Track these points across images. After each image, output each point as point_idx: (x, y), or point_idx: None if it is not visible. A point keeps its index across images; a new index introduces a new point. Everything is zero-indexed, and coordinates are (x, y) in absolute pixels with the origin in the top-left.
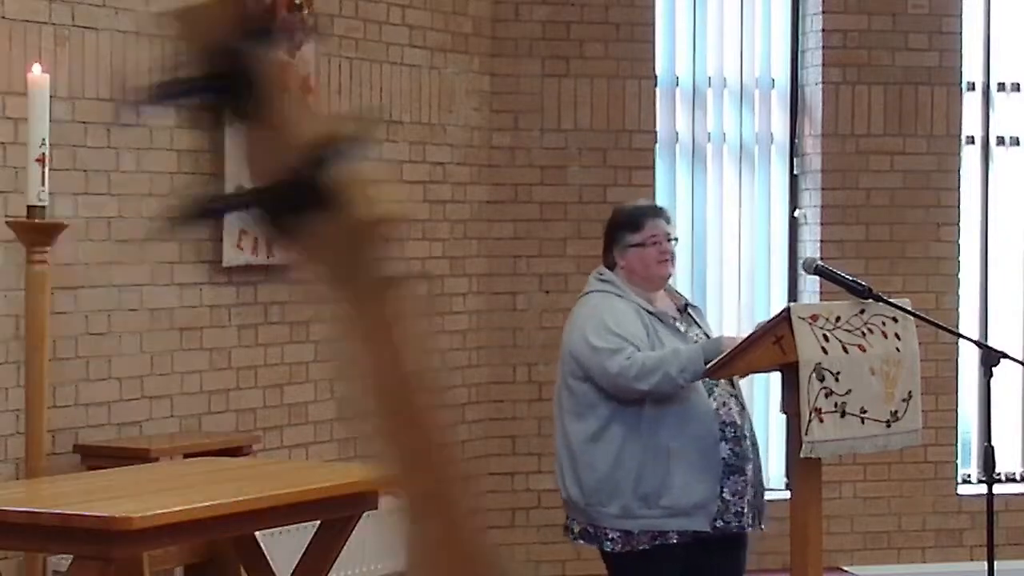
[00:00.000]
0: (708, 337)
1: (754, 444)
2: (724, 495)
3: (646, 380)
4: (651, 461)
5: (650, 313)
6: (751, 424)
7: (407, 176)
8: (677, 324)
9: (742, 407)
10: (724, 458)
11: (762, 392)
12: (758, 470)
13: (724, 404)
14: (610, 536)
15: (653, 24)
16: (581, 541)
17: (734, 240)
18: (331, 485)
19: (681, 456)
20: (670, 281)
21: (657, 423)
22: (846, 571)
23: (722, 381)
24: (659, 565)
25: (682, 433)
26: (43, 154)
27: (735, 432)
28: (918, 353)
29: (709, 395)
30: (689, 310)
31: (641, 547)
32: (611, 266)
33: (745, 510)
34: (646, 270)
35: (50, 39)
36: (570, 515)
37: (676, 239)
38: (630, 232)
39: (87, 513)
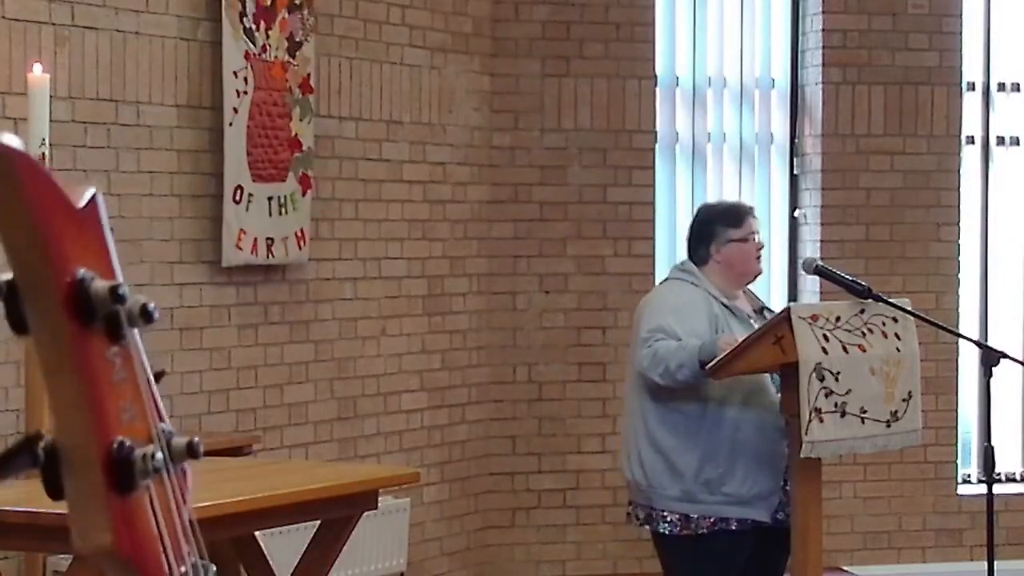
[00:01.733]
0: None
1: None
2: (787, 488)
3: (655, 370)
4: (714, 448)
5: (724, 306)
6: None
7: (407, 176)
8: (752, 321)
9: None
10: (788, 453)
11: None
12: None
13: None
14: (668, 518)
15: (653, 24)
16: (646, 526)
17: None
18: (331, 485)
19: (746, 446)
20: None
21: (722, 411)
22: (846, 571)
23: None
24: (718, 549)
25: (747, 423)
26: (43, 154)
27: None
28: (918, 353)
29: (778, 390)
30: (764, 312)
31: (701, 531)
32: (700, 261)
33: None
34: (745, 264)
35: (50, 39)
36: (633, 499)
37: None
38: (731, 227)
39: None
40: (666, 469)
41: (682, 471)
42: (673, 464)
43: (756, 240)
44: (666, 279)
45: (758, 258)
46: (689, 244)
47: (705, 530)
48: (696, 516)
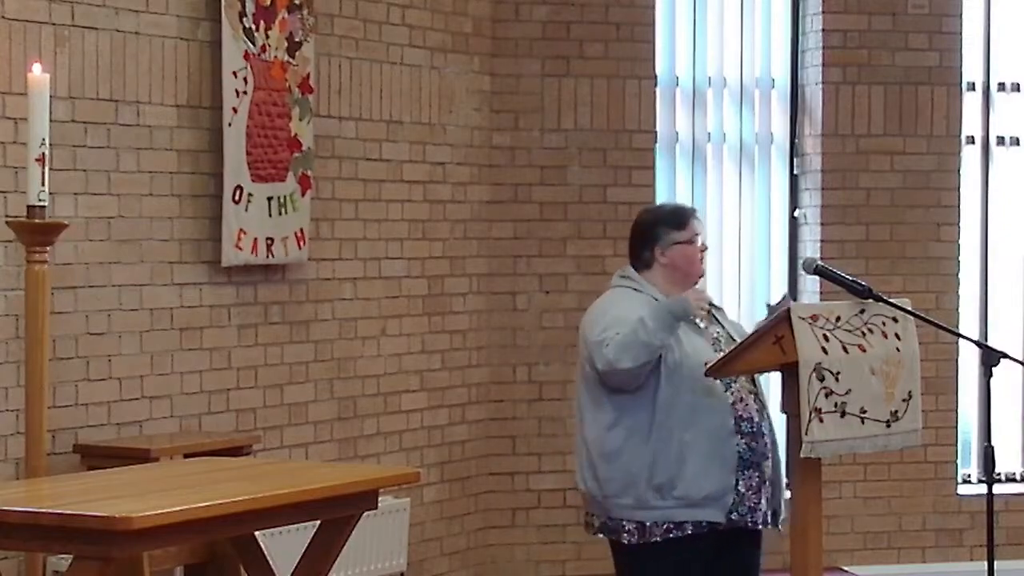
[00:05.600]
0: (732, 337)
1: (774, 443)
2: (739, 488)
3: (626, 358)
4: (664, 451)
5: None
6: (771, 423)
7: (407, 176)
8: (697, 320)
9: (762, 405)
10: (739, 452)
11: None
12: (777, 468)
13: (742, 400)
14: (627, 528)
15: (653, 24)
16: (601, 535)
17: (734, 240)
18: (331, 485)
19: (694, 447)
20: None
21: (669, 413)
22: (846, 571)
23: (741, 377)
24: (674, 557)
25: (695, 424)
26: (43, 154)
27: (751, 428)
28: (918, 353)
29: (727, 389)
30: (713, 311)
31: (654, 539)
32: (643, 265)
33: (763, 507)
34: (690, 266)
35: (50, 39)
36: (588, 509)
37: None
38: (676, 230)
39: (87, 513)
40: (619, 477)
41: (634, 478)
42: (625, 471)
43: (700, 242)
44: (613, 286)
45: (702, 260)
46: (632, 248)
47: (659, 537)
48: (650, 523)
